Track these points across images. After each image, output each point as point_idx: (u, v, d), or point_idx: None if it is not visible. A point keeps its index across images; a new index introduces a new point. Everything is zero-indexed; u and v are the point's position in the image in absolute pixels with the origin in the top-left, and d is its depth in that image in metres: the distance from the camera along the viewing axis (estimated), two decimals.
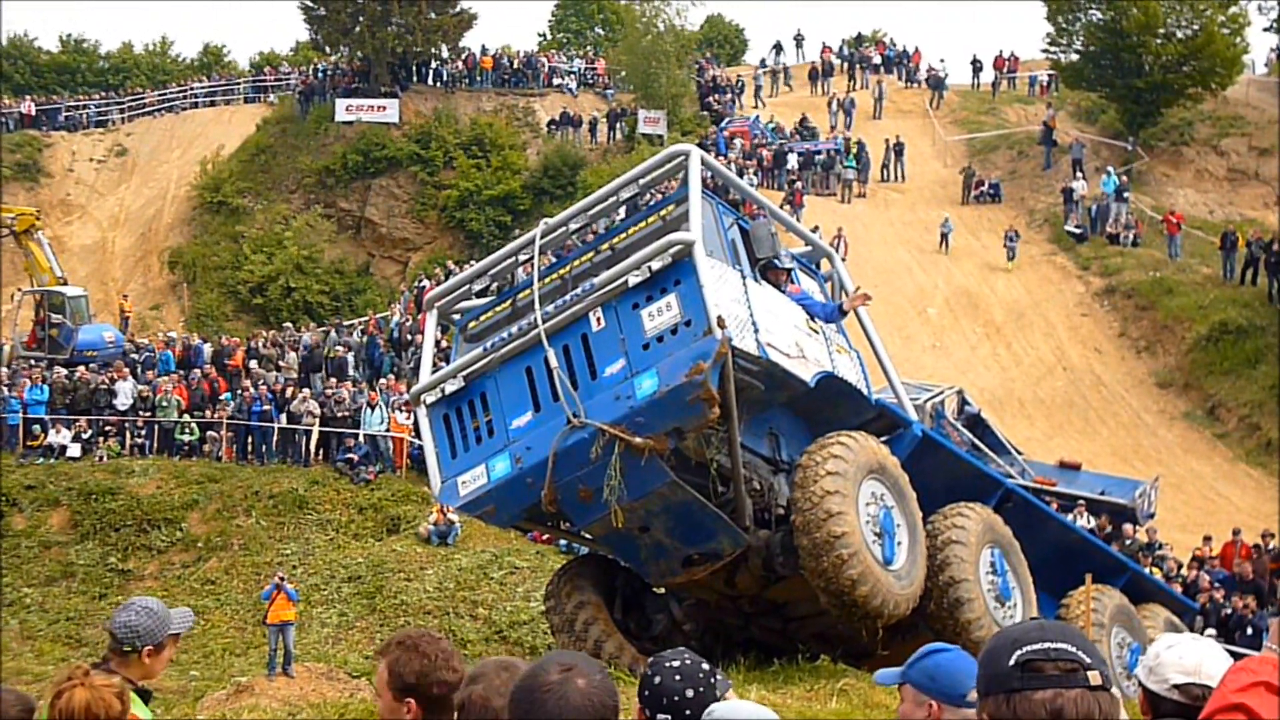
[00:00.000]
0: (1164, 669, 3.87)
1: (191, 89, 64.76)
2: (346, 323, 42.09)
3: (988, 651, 2.84)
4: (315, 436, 32.41)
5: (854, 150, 49.83)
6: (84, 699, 4.48)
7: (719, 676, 4.20)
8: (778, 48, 64.43)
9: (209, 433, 32.89)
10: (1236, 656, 3.28)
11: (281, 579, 23.06)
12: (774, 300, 13.00)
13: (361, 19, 55.62)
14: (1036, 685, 2.71)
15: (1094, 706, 2.70)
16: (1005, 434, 27.68)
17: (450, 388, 12.86)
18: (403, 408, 30.68)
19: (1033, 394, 37.66)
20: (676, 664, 4.13)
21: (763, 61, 65.15)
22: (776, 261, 13.20)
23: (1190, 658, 3.86)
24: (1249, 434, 34.95)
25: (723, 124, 52.81)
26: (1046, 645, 2.73)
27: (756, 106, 57.97)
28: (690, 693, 4.02)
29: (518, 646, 24.05)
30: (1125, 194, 45.10)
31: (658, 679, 4.11)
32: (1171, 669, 3.85)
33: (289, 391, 33.19)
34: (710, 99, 56.42)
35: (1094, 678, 2.72)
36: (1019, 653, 2.74)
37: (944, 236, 44.94)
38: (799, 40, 67.10)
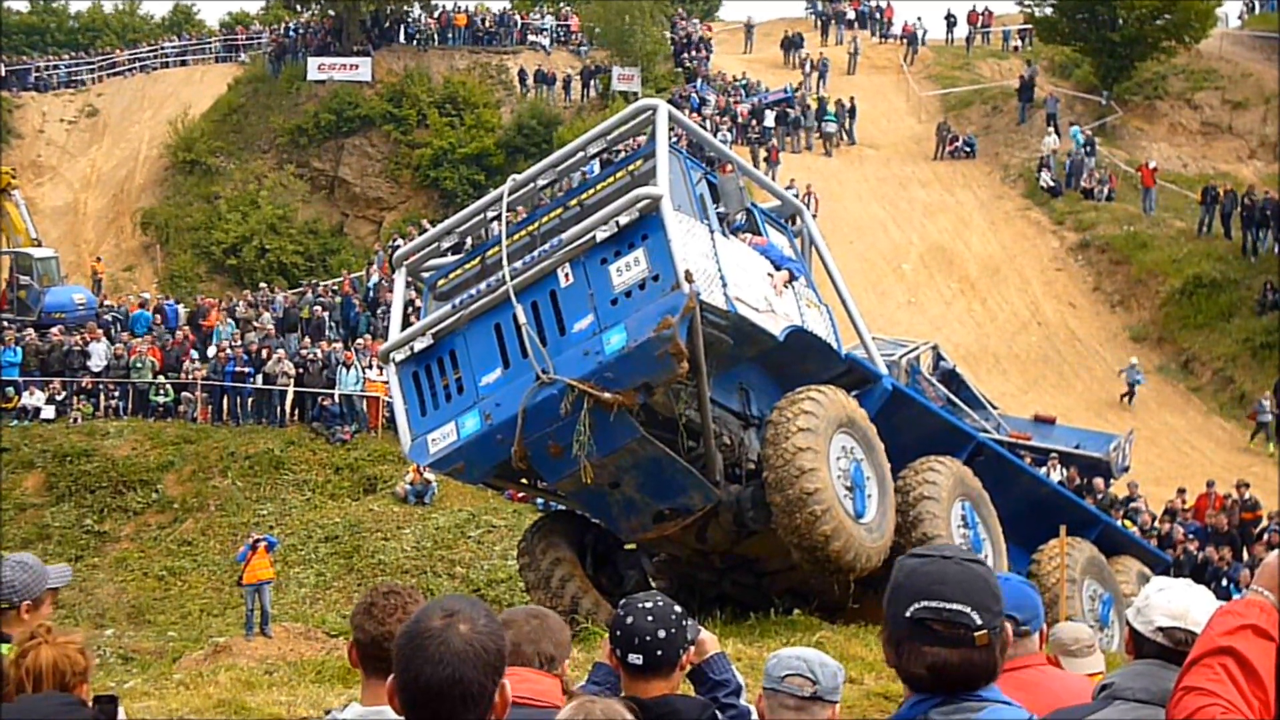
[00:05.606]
0: (1151, 611, 3.91)
1: (162, 48, 64.03)
2: (323, 283, 41.85)
3: (894, 586, 2.98)
4: (291, 397, 32.30)
5: (832, 107, 49.70)
6: (50, 657, 4.46)
7: (690, 620, 4.22)
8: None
9: (183, 394, 32.74)
10: None
11: (257, 539, 22.98)
12: (743, 255, 12.97)
13: None
14: (923, 641, 2.88)
15: (971, 662, 2.89)
16: (980, 389, 27.77)
17: (419, 345, 12.83)
18: (372, 364, 30.61)
19: (1008, 349, 37.75)
20: (649, 605, 4.15)
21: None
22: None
23: (1178, 602, 3.90)
24: (1222, 387, 35.13)
25: (691, 82, 52.51)
26: (941, 605, 2.87)
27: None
28: (662, 633, 4.04)
29: (495, 604, 24.02)
30: (1089, 148, 45.05)
31: (630, 619, 4.12)
32: (1158, 611, 3.89)
33: (264, 352, 33.05)
34: (684, 56, 56.07)
35: (980, 638, 2.87)
36: (916, 606, 2.88)
37: (1131, 387, 34.89)
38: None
